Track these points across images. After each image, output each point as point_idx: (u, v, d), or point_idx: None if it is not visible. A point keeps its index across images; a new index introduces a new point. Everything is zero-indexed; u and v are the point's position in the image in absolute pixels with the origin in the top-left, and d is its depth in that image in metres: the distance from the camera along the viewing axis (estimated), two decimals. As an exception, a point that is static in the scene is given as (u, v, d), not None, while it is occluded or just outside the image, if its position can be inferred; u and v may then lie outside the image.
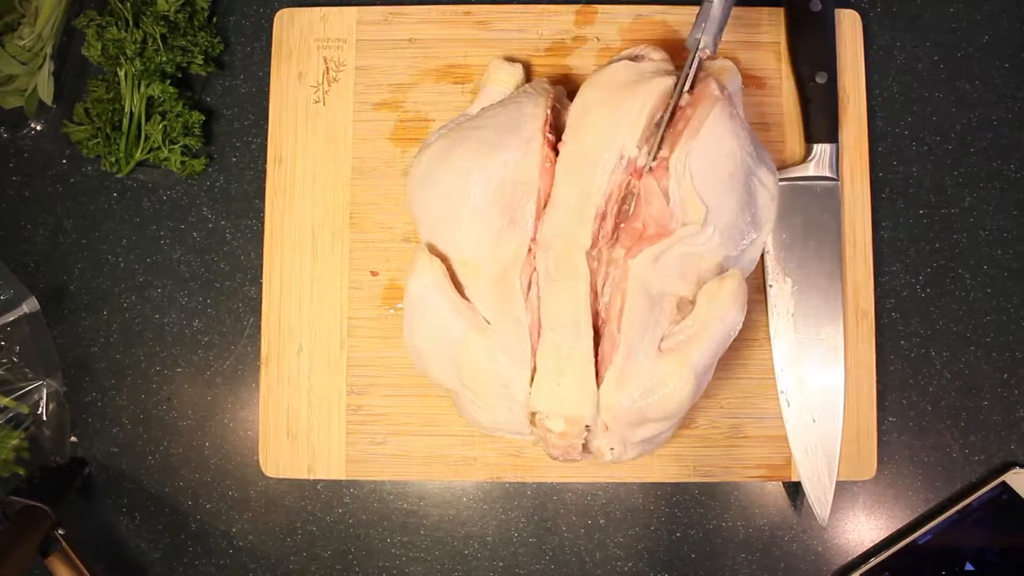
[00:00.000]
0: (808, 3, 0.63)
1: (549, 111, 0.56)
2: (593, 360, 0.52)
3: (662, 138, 0.53)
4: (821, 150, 0.63)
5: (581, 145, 0.54)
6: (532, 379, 0.53)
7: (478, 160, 0.54)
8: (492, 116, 0.57)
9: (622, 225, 0.54)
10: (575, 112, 0.55)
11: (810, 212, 0.63)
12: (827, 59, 0.64)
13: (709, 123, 0.53)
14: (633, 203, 0.54)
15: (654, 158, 0.53)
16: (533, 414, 0.54)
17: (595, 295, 0.53)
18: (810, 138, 0.64)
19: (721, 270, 0.55)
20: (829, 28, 0.64)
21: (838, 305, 0.63)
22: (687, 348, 0.52)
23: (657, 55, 0.58)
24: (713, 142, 0.53)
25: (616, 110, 0.54)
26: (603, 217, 0.53)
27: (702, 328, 0.53)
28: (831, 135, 0.63)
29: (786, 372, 0.62)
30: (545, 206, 0.54)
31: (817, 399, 0.62)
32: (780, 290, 0.63)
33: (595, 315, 0.53)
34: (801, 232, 0.63)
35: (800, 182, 0.63)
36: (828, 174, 0.63)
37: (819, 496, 0.61)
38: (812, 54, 0.64)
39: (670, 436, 0.58)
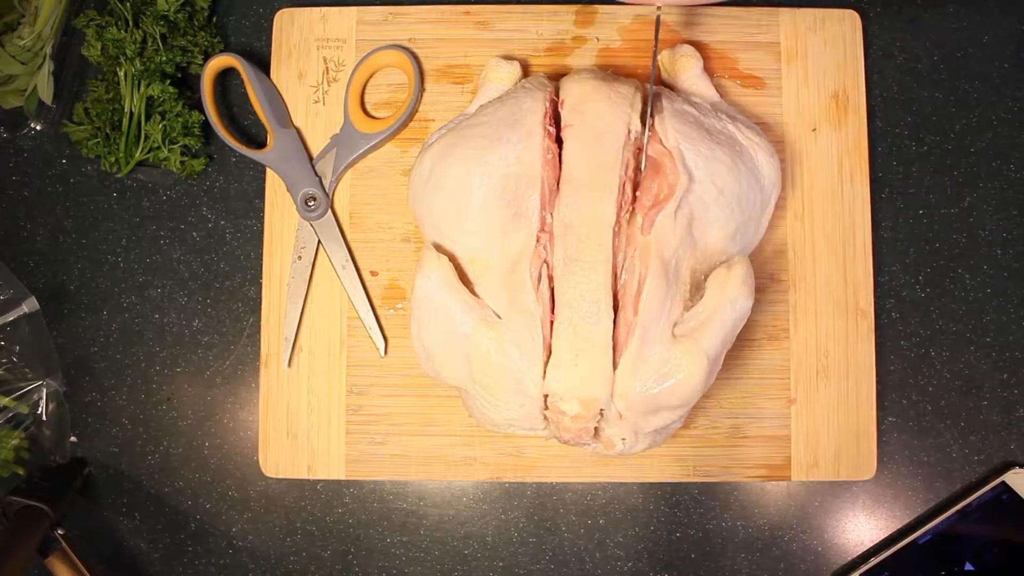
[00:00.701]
0: None
1: (548, 104, 0.56)
2: (612, 341, 0.52)
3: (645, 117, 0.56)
4: None
5: (591, 123, 0.55)
6: (545, 372, 0.53)
7: (480, 156, 0.55)
8: (491, 112, 0.57)
9: (638, 194, 0.55)
10: (572, 100, 0.56)
11: None
12: None
13: (665, 103, 0.58)
14: (644, 174, 0.55)
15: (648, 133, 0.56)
16: (546, 397, 0.54)
17: (614, 277, 0.53)
18: None
19: (732, 245, 0.57)
20: None
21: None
22: (699, 334, 0.53)
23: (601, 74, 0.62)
24: (674, 110, 0.57)
25: (615, 92, 0.56)
26: (623, 187, 0.54)
27: (713, 314, 0.53)
28: None
29: None
30: (558, 189, 0.54)
31: None
32: None
33: (612, 299, 0.53)
34: None
35: None
36: None
37: None
38: None
39: (678, 427, 0.58)
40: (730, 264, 0.54)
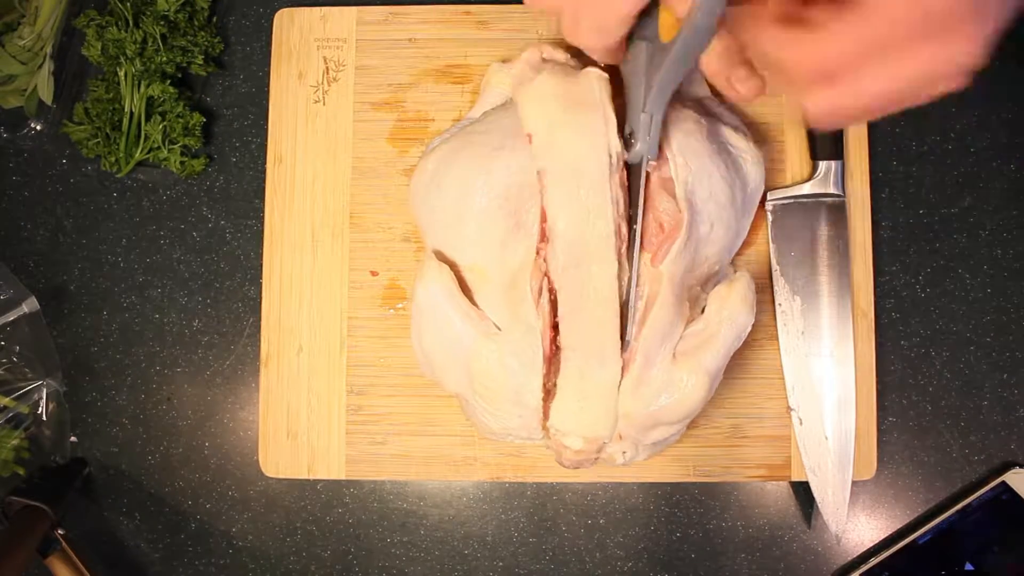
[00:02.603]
0: None
1: None
2: (618, 384, 0.52)
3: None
4: (827, 167, 0.63)
5: (566, 161, 0.51)
6: (544, 385, 0.53)
7: (483, 165, 0.54)
8: (495, 120, 0.57)
9: (635, 227, 0.54)
10: (540, 132, 0.52)
11: (817, 229, 0.63)
12: None
13: (676, 117, 0.54)
14: (641, 206, 0.53)
15: (653, 157, 0.53)
16: (547, 426, 0.54)
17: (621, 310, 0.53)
18: (815, 155, 0.64)
19: (725, 253, 0.57)
20: None
21: (848, 323, 0.62)
22: (700, 353, 0.52)
23: (561, 55, 0.59)
24: (681, 123, 0.54)
25: (583, 113, 0.52)
26: (619, 231, 0.52)
27: (714, 332, 0.53)
28: (837, 152, 0.63)
29: (797, 391, 0.62)
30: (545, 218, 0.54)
31: (829, 417, 0.62)
32: (789, 309, 0.63)
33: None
34: (809, 250, 0.63)
35: (806, 199, 0.63)
36: (834, 191, 0.63)
37: (833, 512, 0.61)
38: None
39: (680, 437, 0.58)
40: (730, 281, 0.54)
